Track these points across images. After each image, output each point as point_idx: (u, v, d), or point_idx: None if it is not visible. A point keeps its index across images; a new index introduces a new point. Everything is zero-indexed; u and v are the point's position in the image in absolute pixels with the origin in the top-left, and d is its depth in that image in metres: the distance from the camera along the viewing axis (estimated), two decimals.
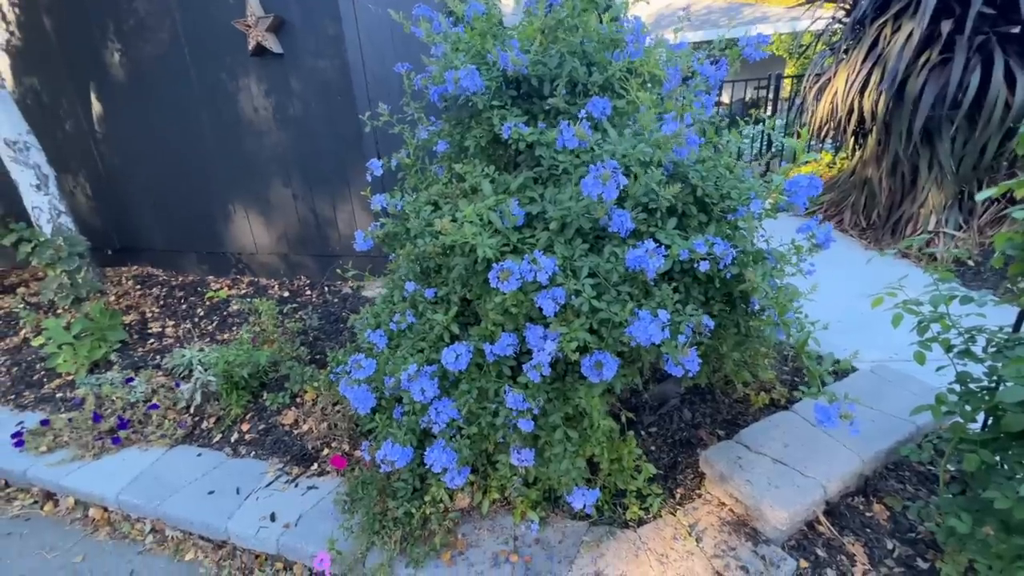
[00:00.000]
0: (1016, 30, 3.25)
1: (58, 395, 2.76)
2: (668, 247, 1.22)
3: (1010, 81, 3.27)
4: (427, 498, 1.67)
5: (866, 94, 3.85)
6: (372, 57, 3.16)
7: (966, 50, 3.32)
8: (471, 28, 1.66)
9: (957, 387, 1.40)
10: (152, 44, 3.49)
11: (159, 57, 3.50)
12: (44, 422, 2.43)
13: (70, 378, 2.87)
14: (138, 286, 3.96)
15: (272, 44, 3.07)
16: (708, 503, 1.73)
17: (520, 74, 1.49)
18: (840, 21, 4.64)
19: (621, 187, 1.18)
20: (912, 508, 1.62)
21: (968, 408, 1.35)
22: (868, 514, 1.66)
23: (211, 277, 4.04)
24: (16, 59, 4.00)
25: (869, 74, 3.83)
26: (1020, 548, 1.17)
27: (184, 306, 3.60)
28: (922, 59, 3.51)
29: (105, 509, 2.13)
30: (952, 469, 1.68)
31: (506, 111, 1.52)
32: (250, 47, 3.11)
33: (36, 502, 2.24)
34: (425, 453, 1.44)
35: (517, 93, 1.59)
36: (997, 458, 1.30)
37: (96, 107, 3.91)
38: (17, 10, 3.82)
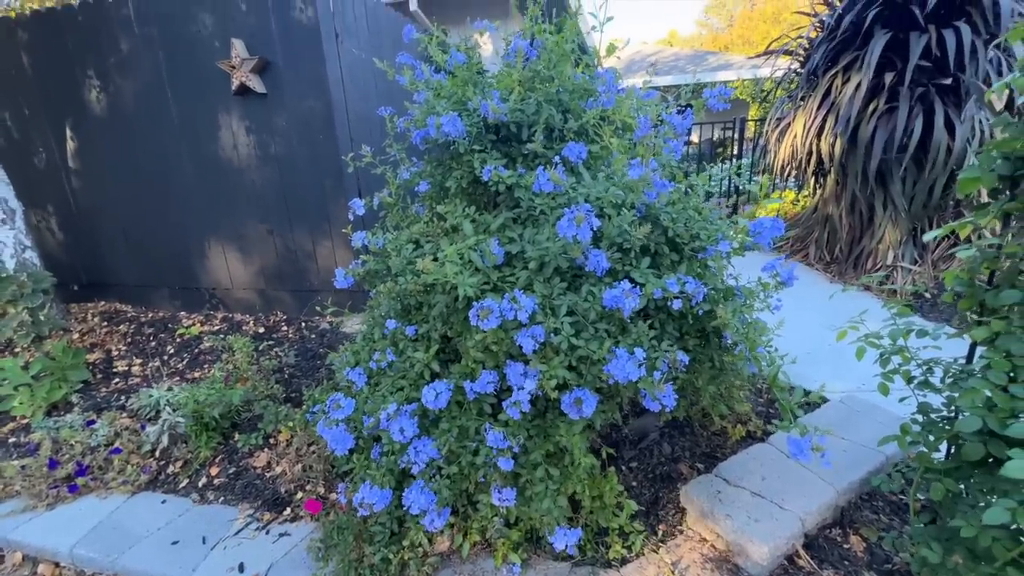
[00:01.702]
0: (948, 81, 3.57)
1: (11, 440, 2.60)
2: (643, 286, 1.27)
3: (950, 128, 3.57)
4: (405, 542, 1.62)
5: (823, 138, 4.12)
6: (355, 98, 3.24)
7: (908, 99, 3.62)
8: (452, 76, 1.74)
9: (920, 417, 1.46)
10: (133, 82, 3.51)
11: (139, 94, 3.51)
12: None
13: (25, 421, 2.71)
14: (105, 323, 3.83)
15: (256, 84, 3.13)
16: (690, 539, 1.72)
17: (500, 120, 1.56)
18: (796, 71, 5.00)
19: (595, 229, 1.23)
20: (887, 538, 1.64)
21: (931, 438, 1.40)
22: (845, 546, 1.68)
23: (183, 313, 3.93)
24: None
25: (824, 120, 4.11)
26: None
27: (153, 343, 3.48)
28: (871, 107, 3.80)
29: (57, 564, 1.98)
30: (921, 498, 1.72)
31: (486, 155, 1.58)
32: (233, 87, 3.16)
33: None
34: (403, 495, 1.41)
35: (497, 137, 1.66)
36: (961, 486, 1.35)
37: (71, 142, 3.87)
38: None
